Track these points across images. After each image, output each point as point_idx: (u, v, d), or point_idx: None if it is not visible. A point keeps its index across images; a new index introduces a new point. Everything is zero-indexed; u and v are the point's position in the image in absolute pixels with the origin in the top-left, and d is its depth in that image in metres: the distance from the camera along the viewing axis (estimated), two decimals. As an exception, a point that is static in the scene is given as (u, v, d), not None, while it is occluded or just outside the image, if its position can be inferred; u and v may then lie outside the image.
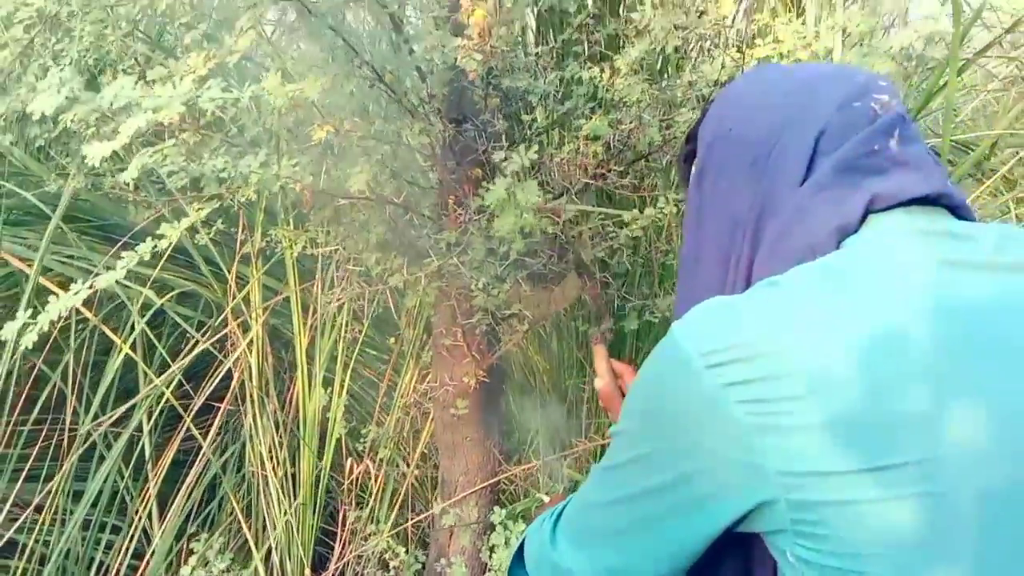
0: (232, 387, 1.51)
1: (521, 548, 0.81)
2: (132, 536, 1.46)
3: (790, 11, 1.20)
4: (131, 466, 1.47)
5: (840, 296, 0.56)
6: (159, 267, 1.40)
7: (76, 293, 0.96)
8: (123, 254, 0.96)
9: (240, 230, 1.49)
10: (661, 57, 1.29)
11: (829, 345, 0.53)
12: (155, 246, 0.97)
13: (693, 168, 0.74)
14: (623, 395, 1.05)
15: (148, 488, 1.47)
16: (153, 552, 1.43)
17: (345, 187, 1.09)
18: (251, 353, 1.49)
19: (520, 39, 1.08)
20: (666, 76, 1.28)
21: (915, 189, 0.61)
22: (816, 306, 0.56)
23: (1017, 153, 1.50)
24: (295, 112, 0.96)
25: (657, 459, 0.61)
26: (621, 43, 1.19)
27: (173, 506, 1.43)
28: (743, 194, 0.69)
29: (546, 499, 1.16)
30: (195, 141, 0.96)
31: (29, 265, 1.41)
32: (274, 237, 1.44)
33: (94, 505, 1.47)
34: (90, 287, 0.94)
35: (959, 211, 0.63)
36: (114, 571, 1.45)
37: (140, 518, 1.44)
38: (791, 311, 0.56)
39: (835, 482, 0.52)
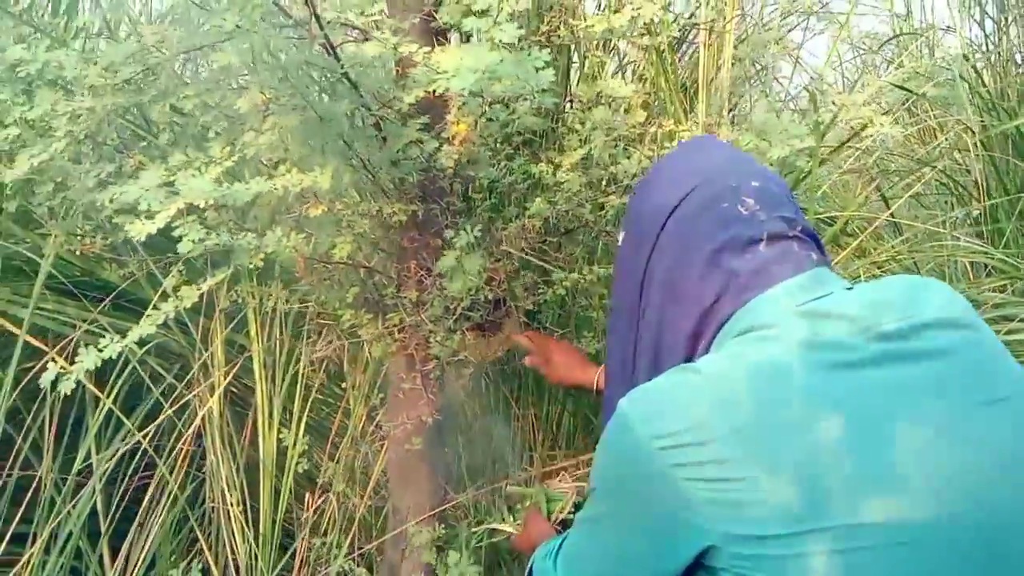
0: (194, 428, 1.65)
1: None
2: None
3: (689, 119, 1.48)
4: (113, 513, 1.59)
5: (749, 385, 0.74)
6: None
7: (103, 349, 1.12)
8: (147, 315, 1.13)
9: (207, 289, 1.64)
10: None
11: (753, 438, 0.72)
12: (176, 306, 1.14)
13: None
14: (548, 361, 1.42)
15: (106, 534, 1.60)
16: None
17: (330, 254, 1.30)
18: (214, 402, 1.64)
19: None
20: (593, 166, 1.54)
21: (780, 277, 0.83)
22: (735, 398, 0.74)
23: (866, 228, 1.85)
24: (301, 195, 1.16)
25: (625, 518, 0.81)
26: (558, 140, 1.45)
27: (147, 544, 1.56)
28: (643, 261, 0.92)
29: (509, 529, 1.38)
30: (215, 219, 1.14)
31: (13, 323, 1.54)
32: (239, 295, 1.61)
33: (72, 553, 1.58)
34: (121, 344, 1.10)
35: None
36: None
37: (122, 558, 1.55)
38: (717, 402, 0.74)
39: (760, 543, 0.70)
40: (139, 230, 1.03)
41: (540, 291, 1.55)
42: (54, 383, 1.13)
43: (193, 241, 1.01)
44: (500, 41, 0.76)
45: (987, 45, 3.08)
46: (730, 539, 0.71)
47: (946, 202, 2.72)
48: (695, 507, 0.72)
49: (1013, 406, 0.76)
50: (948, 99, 2.79)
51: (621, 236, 1.01)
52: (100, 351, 1.10)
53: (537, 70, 0.84)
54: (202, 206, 1.03)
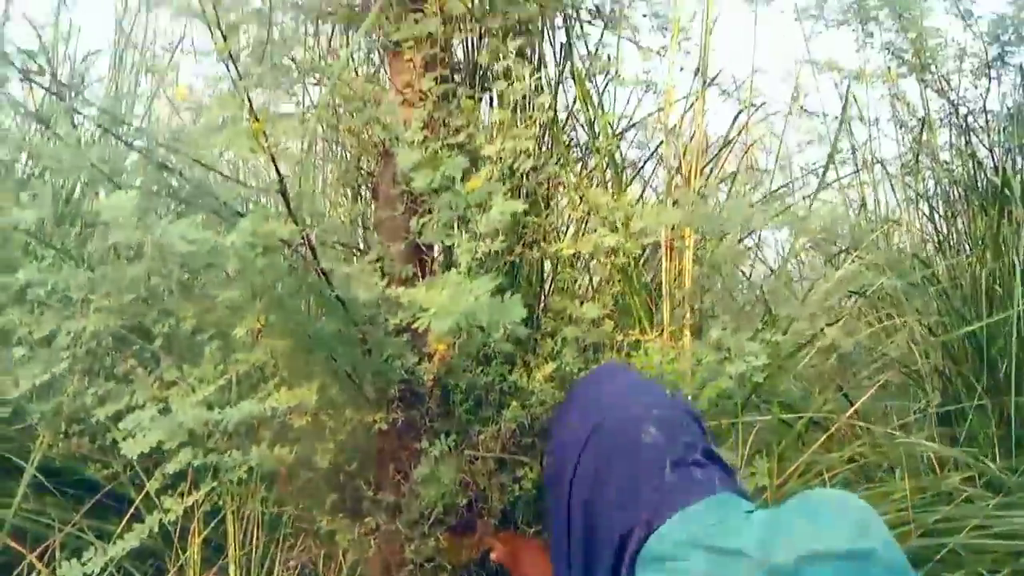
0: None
1: None
2: None
3: (653, 328, 1.58)
4: None
5: None
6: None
7: (87, 561, 1.14)
8: (135, 524, 1.15)
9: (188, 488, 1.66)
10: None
11: None
12: (161, 520, 1.17)
13: None
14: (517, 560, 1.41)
15: None
16: None
17: (312, 461, 1.34)
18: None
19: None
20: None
21: (684, 503, 0.89)
22: None
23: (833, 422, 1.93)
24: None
25: None
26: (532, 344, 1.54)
27: None
28: (565, 489, 1.00)
29: None
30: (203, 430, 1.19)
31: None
32: (219, 496, 1.63)
33: None
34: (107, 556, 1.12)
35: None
36: None
37: None
38: None
39: None
40: (132, 449, 1.09)
41: (511, 490, 1.58)
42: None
43: (182, 463, 1.06)
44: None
45: (937, 237, 3.30)
46: None
47: (909, 385, 2.82)
48: None
49: None
50: (905, 291, 2.95)
51: (545, 459, 1.09)
52: (83, 564, 1.12)
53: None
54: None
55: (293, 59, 1.69)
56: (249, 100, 0.88)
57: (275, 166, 0.99)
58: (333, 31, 1.70)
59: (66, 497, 1.72)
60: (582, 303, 1.33)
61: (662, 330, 1.61)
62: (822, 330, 1.44)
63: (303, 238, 1.09)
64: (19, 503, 1.58)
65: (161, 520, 1.60)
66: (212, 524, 1.69)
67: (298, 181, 1.33)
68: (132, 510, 1.53)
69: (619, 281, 1.61)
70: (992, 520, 1.77)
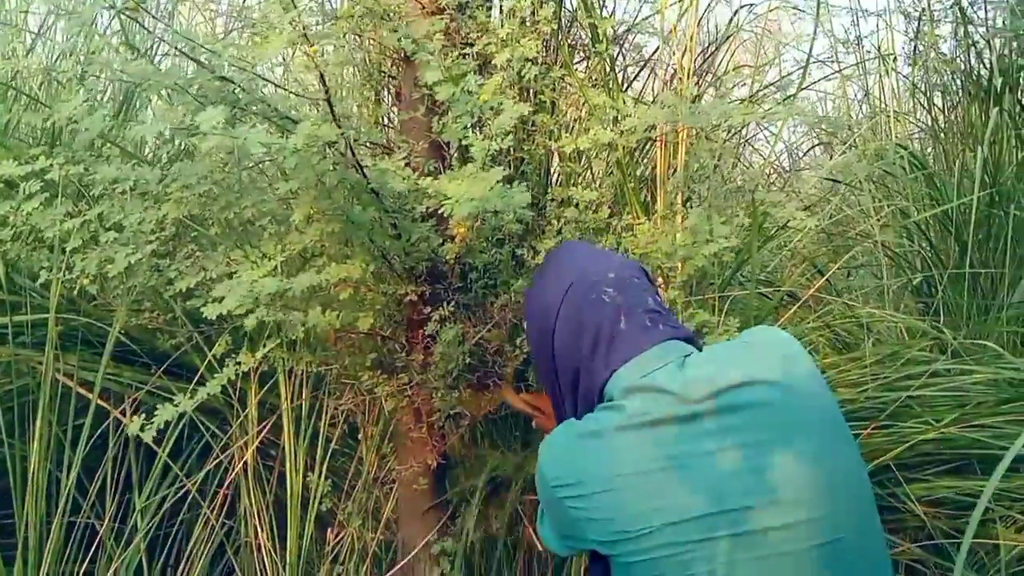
0: (232, 476, 1.94)
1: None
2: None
3: (651, 212, 1.80)
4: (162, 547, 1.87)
5: (617, 451, 1.06)
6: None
7: (178, 404, 1.41)
8: (213, 378, 1.42)
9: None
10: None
11: (615, 489, 1.05)
12: (236, 371, 1.44)
13: None
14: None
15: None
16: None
17: (355, 326, 1.60)
18: (249, 455, 1.93)
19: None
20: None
21: (635, 349, 1.13)
22: (595, 456, 1.07)
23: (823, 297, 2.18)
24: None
25: (551, 517, 1.17)
26: (539, 229, 1.77)
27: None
28: (548, 348, 1.22)
29: None
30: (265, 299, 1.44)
31: (84, 387, 1.84)
32: (272, 359, 1.90)
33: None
34: (193, 400, 1.39)
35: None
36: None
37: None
38: (590, 462, 1.08)
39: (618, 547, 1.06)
40: (212, 311, 1.34)
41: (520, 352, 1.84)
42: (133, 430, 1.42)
43: (257, 319, 1.31)
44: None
45: (935, 128, 3.45)
46: (603, 544, 1.07)
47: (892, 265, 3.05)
48: (578, 525, 1.08)
49: (804, 453, 1.02)
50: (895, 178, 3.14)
51: (526, 324, 1.32)
52: (175, 406, 1.40)
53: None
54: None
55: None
56: (304, 26, 1.09)
57: (322, 79, 1.20)
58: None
59: (140, 366, 2.01)
60: (580, 189, 1.54)
61: (655, 216, 1.83)
62: (794, 216, 1.65)
63: (344, 139, 1.31)
64: (104, 368, 1.86)
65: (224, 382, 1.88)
66: (266, 386, 1.98)
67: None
68: (204, 371, 1.81)
69: (614, 173, 1.83)
70: (940, 378, 2.02)
